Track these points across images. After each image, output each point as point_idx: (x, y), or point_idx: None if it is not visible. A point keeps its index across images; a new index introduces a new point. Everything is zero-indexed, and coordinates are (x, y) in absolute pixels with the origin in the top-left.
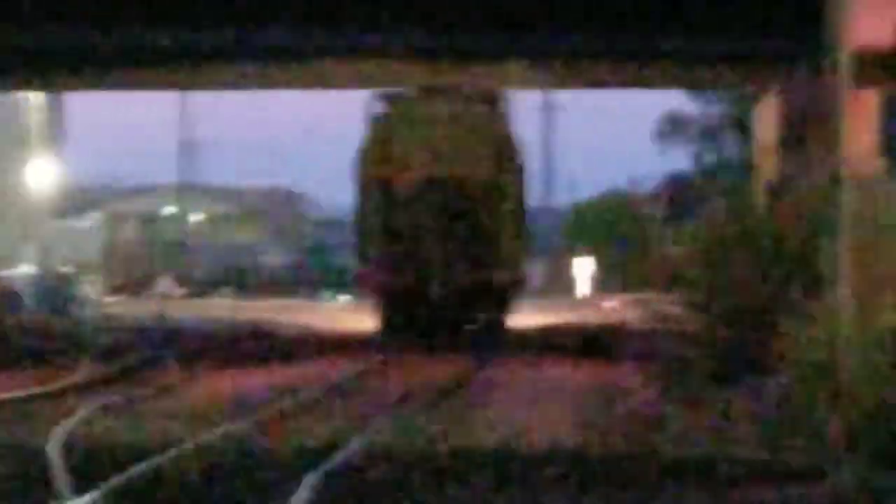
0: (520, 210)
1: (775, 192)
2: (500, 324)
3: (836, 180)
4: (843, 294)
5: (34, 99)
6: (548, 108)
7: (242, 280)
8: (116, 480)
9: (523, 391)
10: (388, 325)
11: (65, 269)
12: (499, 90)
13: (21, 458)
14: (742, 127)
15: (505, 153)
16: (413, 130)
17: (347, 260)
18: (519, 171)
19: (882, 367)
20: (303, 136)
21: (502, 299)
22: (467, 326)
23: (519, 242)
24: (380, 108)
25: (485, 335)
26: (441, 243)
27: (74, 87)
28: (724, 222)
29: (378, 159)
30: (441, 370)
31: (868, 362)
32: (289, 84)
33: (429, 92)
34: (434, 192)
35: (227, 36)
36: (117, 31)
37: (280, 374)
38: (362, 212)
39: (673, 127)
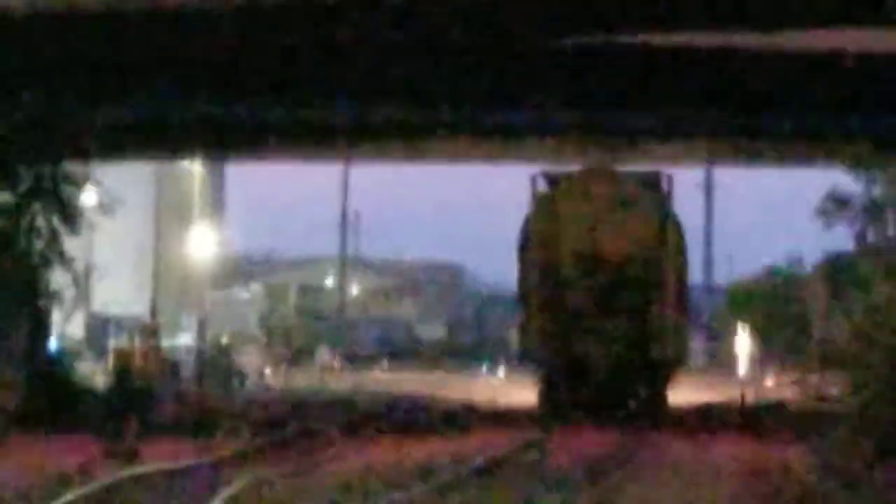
0: (680, 289)
1: None
2: (661, 400)
3: None
4: None
5: (196, 169)
6: (709, 186)
7: (401, 353)
8: None
9: (683, 470)
10: (549, 399)
11: (224, 340)
12: (660, 172)
13: None
14: None
15: (665, 234)
16: (576, 210)
17: (507, 334)
18: (679, 250)
19: None
20: (465, 211)
21: (662, 376)
22: (628, 402)
23: (679, 320)
24: (544, 187)
25: (645, 411)
26: (603, 321)
27: (238, 158)
28: (888, 303)
29: (542, 237)
30: (600, 446)
31: None
32: (453, 158)
33: (592, 173)
34: (596, 271)
35: (394, 110)
36: (283, 105)
37: (439, 447)
38: (526, 288)
39: (835, 205)
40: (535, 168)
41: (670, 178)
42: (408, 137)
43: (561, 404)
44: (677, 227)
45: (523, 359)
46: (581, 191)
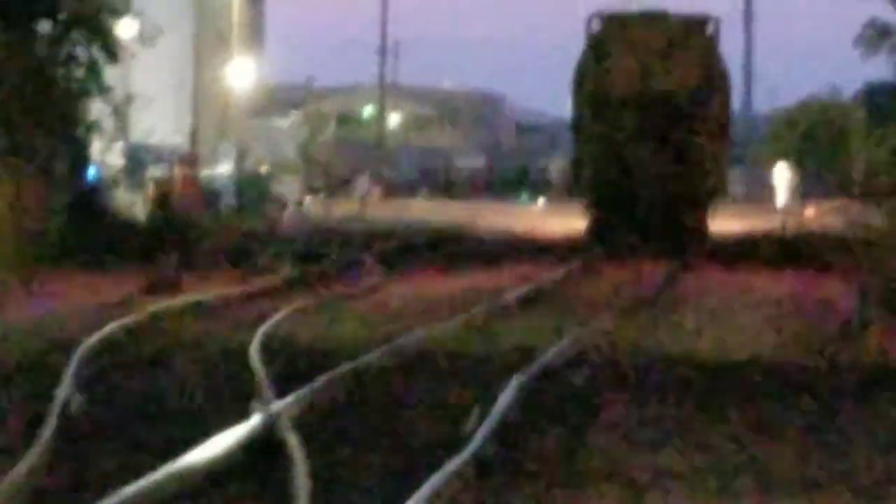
0: (723, 123)
1: None
2: (703, 230)
3: None
4: None
5: None
6: (749, 15)
7: (440, 182)
8: (319, 381)
9: (721, 301)
10: (598, 226)
11: (263, 169)
12: (708, 16)
13: (224, 359)
14: None
15: (710, 73)
16: (628, 50)
17: (548, 163)
18: (723, 89)
19: None
20: (505, 40)
21: (705, 206)
22: (672, 231)
23: (721, 153)
24: (598, 27)
25: (688, 240)
26: (651, 153)
27: None
28: None
29: (595, 74)
30: (642, 275)
31: None
32: None
33: (643, 15)
34: (645, 107)
35: None
36: None
37: (482, 278)
38: (579, 121)
39: (877, 34)
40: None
41: (717, 22)
42: None
43: (608, 231)
44: (722, 67)
45: (574, 188)
46: (633, 32)
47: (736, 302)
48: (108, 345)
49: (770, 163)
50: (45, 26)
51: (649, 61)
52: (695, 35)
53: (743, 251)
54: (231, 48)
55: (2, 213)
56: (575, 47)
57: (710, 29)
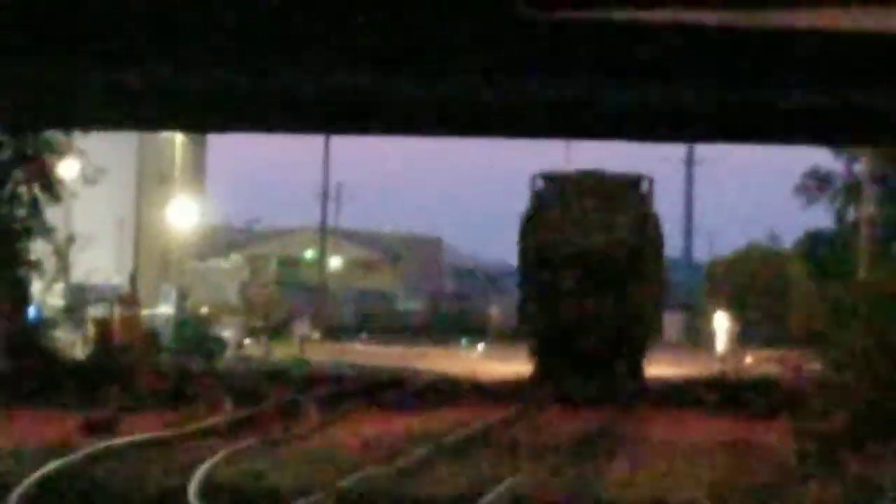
0: (657, 272)
1: None
2: (640, 373)
3: None
4: None
5: (177, 138)
6: (690, 165)
7: (380, 325)
8: None
9: (658, 446)
10: (542, 370)
11: (204, 310)
12: (642, 175)
13: (163, 500)
14: (886, 185)
15: (644, 227)
16: (568, 207)
17: (484, 307)
18: (656, 240)
19: None
20: (443, 184)
21: (640, 350)
22: (610, 374)
23: (656, 301)
24: (540, 185)
25: (624, 384)
26: (589, 301)
27: (217, 128)
28: (871, 283)
29: (537, 228)
30: (581, 421)
31: None
32: (431, 132)
33: (583, 174)
34: (584, 259)
35: (374, 81)
36: (263, 75)
37: (422, 421)
38: (524, 270)
39: (816, 183)
40: (512, 145)
41: (651, 181)
42: (389, 110)
43: (552, 372)
44: (656, 221)
45: (519, 333)
46: (573, 190)
47: (672, 447)
48: (47, 485)
49: (709, 310)
50: None
51: (587, 217)
52: (629, 192)
53: (680, 396)
54: (173, 188)
55: None
56: (512, 194)
57: (643, 186)
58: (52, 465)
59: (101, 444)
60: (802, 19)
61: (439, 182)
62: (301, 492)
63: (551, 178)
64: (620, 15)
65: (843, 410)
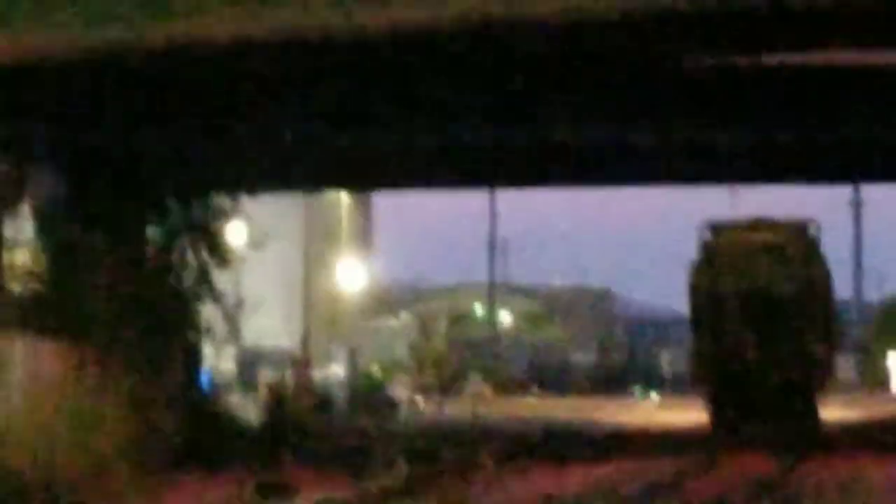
0: (828, 315)
1: None
2: (814, 416)
3: None
4: None
5: (343, 198)
6: (857, 203)
7: (552, 379)
8: None
9: (846, 492)
10: (719, 415)
11: (375, 370)
12: (809, 220)
13: None
14: None
15: (814, 271)
16: (737, 255)
17: (658, 358)
18: (826, 287)
19: None
20: (610, 236)
21: (814, 392)
22: (785, 420)
23: (828, 343)
24: (709, 234)
25: (801, 427)
26: (763, 346)
27: (385, 186)
28: None
29: (707, 276)
30: (760, 466)
31: None
32: (599, 182)
33: (750, 222)
34: (756, 305)
35: (539, 133)
36: (430, 131)
37: (600, 472)
38: (696, 318)
39: None
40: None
41: (818, 226)
42: (552, 162)
43: (729, 421)
44: (824, 266)
45: (695, 381)
46: (741, 238)
47: (854, 494)
48: None
49: (883, 349)
50: (155, 232)
51: (755, 263)
52: (798, 237)
53: (858, 439)
54: (341, 249)
55: (123, 413)
56: (678, 240)
57: (811, 231)
58: None
59: None
60: None
61: (604, 232)
62: None
63: (718, 227)
64: (792, 59)
65: None
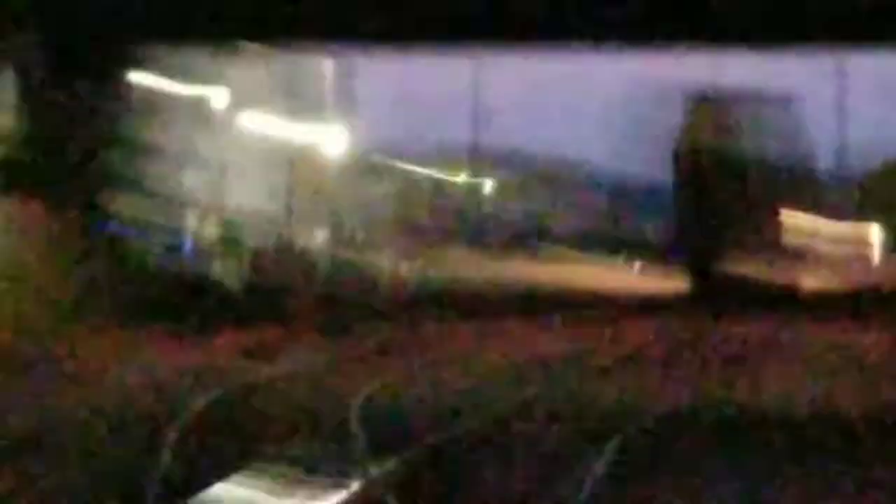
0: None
1: None
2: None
3: None
4: None
5: (328, 64)
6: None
7: (534, 243)
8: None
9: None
10: (698, 281)
11: (360, 236)
12: (787, 92)
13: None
14: None
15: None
16: (718, 125)
17: (640, 225)
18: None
19: None
20: (594, 109)
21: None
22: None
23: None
24: (693, 106)
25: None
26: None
27: (368, 52)
28: None
29: (691, 148)
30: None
31: None
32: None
33: (730, 94)
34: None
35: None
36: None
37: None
38: (680, 186)
39: None
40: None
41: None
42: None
43: (708, 287)
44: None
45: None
46: (721, 109)
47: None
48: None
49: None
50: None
51: (737, 133)
52: (779, 109)
53: (838, 307)
54: (324, 115)
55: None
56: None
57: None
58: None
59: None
60: None
61: (590, 105)
62: None
63: (701, 99)
64: None
65: None
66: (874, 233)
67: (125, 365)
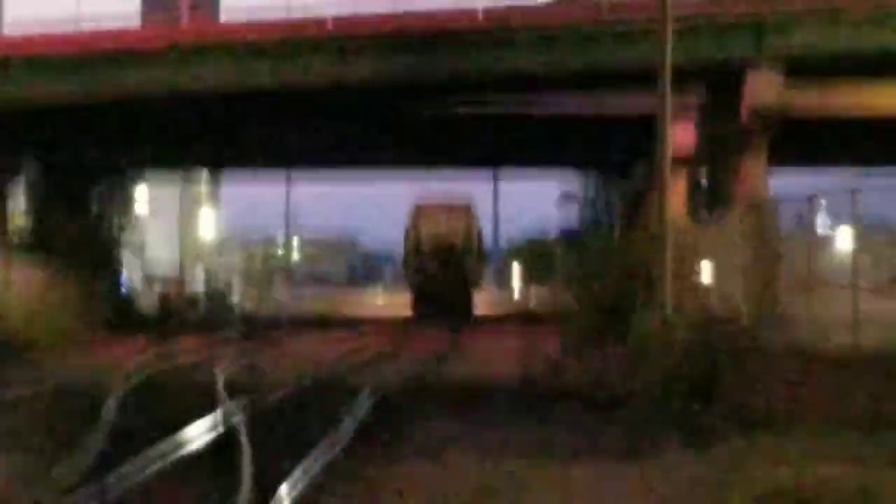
0: (480, 251)
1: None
2: (471, 306)
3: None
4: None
5: (204, 177)
6: (496, 193)
7: (325, 283)
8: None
9: (483, 350)
10: (416, 307)
11: (223, 285)
12: (470, 202)
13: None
14: (607, 199)
15: (471, 230)
16: (429, 220)
17: (383, 272)
18: (479, 236)
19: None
20: (369, 203)
21: (471, 293)
22: (455, 307)
23: (479, 266)
24: (415, 208)
25: (463, 311)
26: (442, 269)
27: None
28: (596, 252)
29: (413, 233)
30: (439, 338)
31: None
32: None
33: (440, 203)
34: (439, 248)
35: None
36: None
37: (344, 341)
38: (406, 255)
39: (566, 198)
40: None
41: (475, 205)
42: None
43: (422, 310)
44: (478, 225)
45: (409, 286)
46: (433, 212)
47: (492, 350)
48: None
49: (509, 269)
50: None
51: (440, 226)
52: (464, 211)
53: (496, 321)
54: (200, 209)
55: (77, 303)
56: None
57: (471, 208)
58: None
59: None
60: None
61: (367, 202)
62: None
63: (421, 206)
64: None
65: (582, 323)
66: None
67: (83, 356)
